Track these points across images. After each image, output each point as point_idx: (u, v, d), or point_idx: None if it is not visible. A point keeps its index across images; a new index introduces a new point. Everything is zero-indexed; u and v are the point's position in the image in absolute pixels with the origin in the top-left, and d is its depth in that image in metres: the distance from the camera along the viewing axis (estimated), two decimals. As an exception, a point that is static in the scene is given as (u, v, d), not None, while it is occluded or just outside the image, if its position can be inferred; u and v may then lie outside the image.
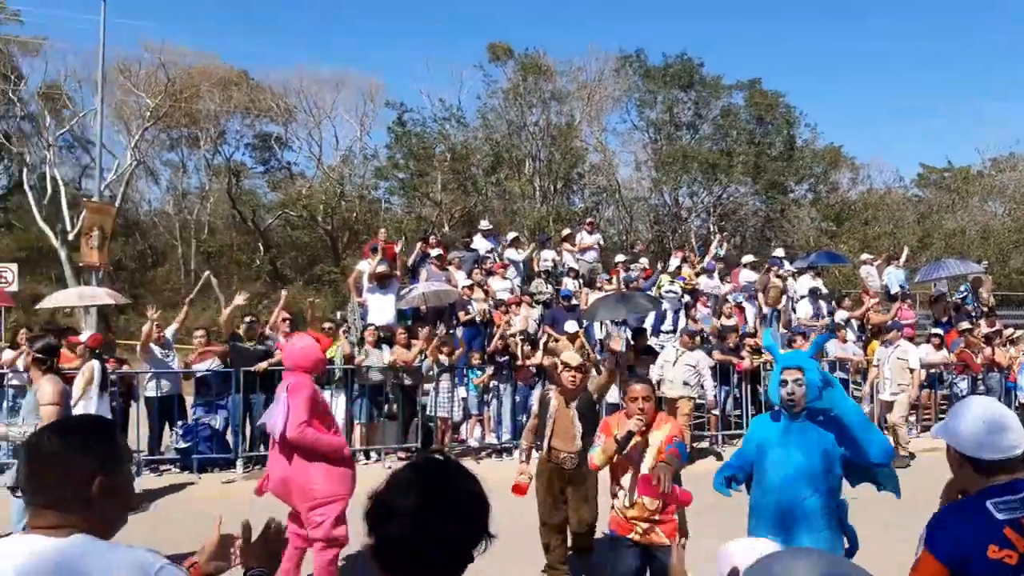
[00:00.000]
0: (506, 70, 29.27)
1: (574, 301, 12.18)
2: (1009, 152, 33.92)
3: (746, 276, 14.45)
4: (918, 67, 57.23)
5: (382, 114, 30.39)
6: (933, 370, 11.93)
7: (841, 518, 3.68)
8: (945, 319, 13.66)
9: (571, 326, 10.71)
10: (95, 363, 7.38)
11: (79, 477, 1.56)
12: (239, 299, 9.80)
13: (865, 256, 17.36)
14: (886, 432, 9.90)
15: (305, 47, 52.37)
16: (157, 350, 9.38)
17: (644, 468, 4.07)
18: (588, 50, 32.05)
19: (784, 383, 3.66)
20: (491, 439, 10.52)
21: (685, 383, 9.82)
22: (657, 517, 4.08)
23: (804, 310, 13.24)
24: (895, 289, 15.05)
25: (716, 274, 14.59)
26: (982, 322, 13.11)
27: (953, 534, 2.07)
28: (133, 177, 29.84)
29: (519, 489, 5.21)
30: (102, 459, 1.60)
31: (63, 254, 24.74)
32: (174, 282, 29.95)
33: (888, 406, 10.58)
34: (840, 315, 12.99)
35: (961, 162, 34.96)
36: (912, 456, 10.02)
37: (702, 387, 10.00)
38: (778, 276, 13.83)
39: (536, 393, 9.02)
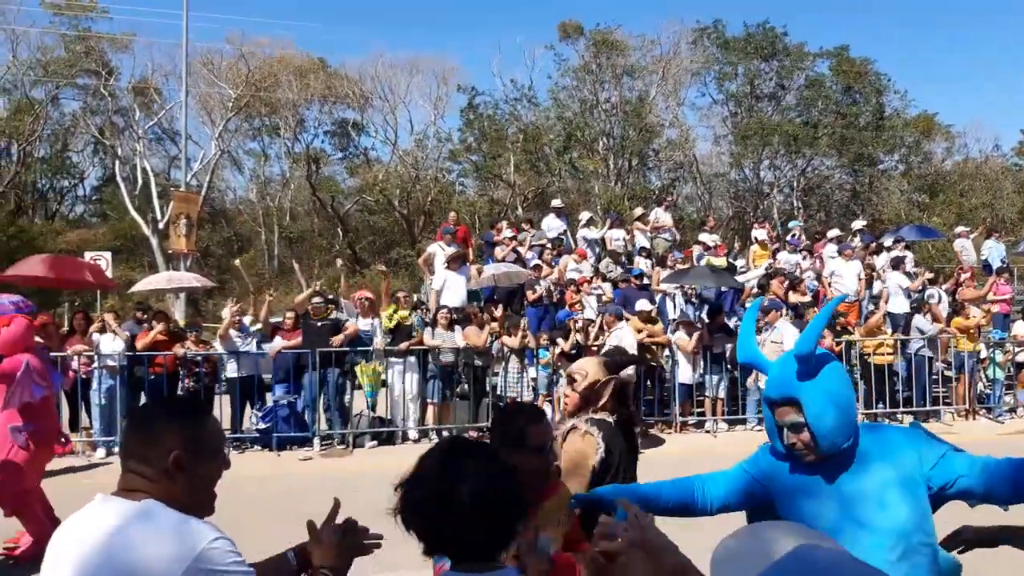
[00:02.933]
0: (577, 48, 28.93)
1: (645, 280, 11.98)
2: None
3: (830, 251, 13.88)
4: (1017, 28, 53.67)
5: (455, 97, 30.57)
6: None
7: None
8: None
9: (643, 304, 10.55)
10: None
11: (159, 448, 1.66)
12: (313, 288, 10.06)
13: (960, 229, 16.46)
14: None
15: (380, 33, 53.02)
16: (235, 335, 9.68)
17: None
18: (663, 24, 31.33)
19: (779, 426, 2.28)
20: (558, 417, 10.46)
21: None
22: None
23: (893, 290, 12.57)
24: (996, 264, 14.22)
25: (798, 249, 14.10)
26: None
27: None
28: (218, 166, 30.90)
29: None
30: (184, 436, 1.70)
31: (154, 242, 25.85)
32: (258, 267, 30.94)
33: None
34: (932, 292, 12.33)
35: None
36: None
37: None
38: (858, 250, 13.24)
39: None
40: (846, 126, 27.77)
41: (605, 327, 9.90)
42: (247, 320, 10.09)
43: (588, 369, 3.02)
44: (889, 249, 14.34)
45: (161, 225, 25.38)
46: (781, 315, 9.58)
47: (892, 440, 2.24)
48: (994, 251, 15.02)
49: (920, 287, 12.57)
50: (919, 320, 11.11)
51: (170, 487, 1.66)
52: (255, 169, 34.07)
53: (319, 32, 52.14)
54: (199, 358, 9.66)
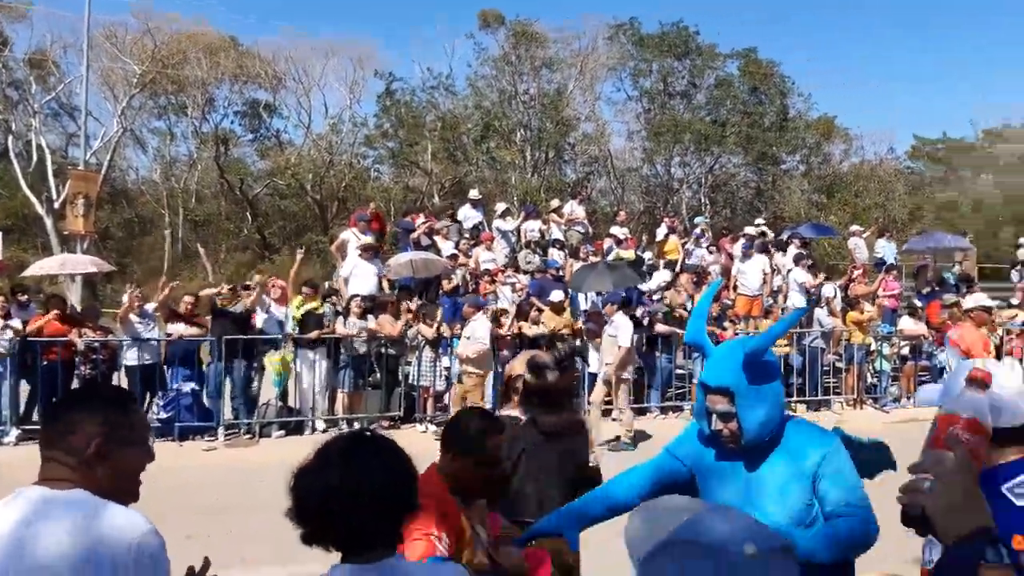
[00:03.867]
0: (497, 38, 28.95)
1: (560, 272, 12.18)
2: (1003, 124, 33.89)
3: (737, 249, 14.40)
4: (915, 38, 56.80)
5: (372, 83, 30.08)
6: (913, 341, 11.95)
7: None
8: (927, 290, 13.65)
9: (557, 295, 10.74)
10: None
11: (81, 437, 1.66)
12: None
13: (854, 228, 17.38)
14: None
15: (295, 14, 51.60)
16: (136, 320, 9.34)
17: None
18: (582, 18, 31.65)
19: (708, 411, 2.39)
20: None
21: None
22: None
23: (792, 286, 13.19)
24: (889, 260, 15.08)
25: (703, 245, 14.58)
26: (966, 295, 13.10)
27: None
28: (120, 145, 29.55)
29: None
30: (107, 425, 1.69)
31: (48, 222, 24.56)
32: (161, 251, 29.80)
33: (607, 384, 9.59)
34: (828, 288, 12.98)
35: (956, 134, 34.91)
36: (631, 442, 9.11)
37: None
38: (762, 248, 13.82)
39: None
40: (751, 126, 28.78)
41: (464, 317, 9.91)
42: (150, 307, 9.74)
43: (514, 365, 3.08)
44: (787, 246, 14.98)
45: (57, 205, 24.11)
46: (616, 308, 9.83)
47: (814, 438, 2.38)
48: (886, 250, 15.92)
49: (819, 283, 13.24)
50: (820, 314, 11.69)
51: (92, 476, 1.66)
52: (160, 148, 32.71)
53: (231, 9, 50.33)
54: (96, 345, 9.28)
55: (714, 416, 2.35)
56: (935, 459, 1.23)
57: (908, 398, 11.57)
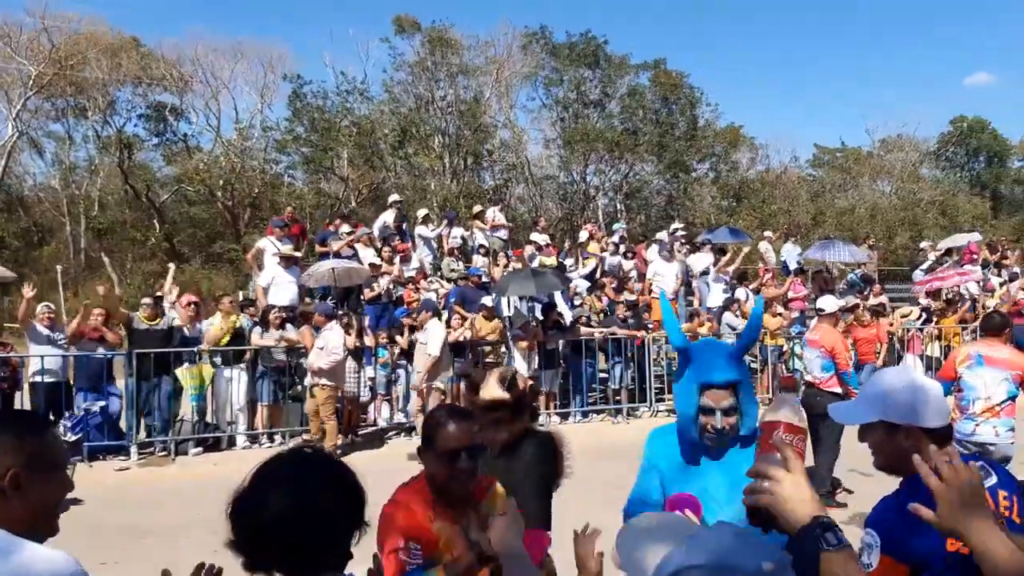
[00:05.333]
0: (412, 43, 28.82)
1: (484, 279, 12.22)
2: (897, 134, 35.89)
3: (652, 254, 14.77)
4: (816, 50, 59.52)
5: (284, 87, 29.41)
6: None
7: None
8: (826, 292, 14.29)
9: (486, 300, 10.80)
10: None
11: None
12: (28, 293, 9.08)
13: (766, 233, 18.08)
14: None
15: (200, 13, 50.04)
16: (42, 328, 8.86)
17: None
18: (497, 26, 31.83)
19: (708, 411, 2.36)
20: (399, 418, 10.49)
21: None
22: None
23: (711, 287, 13.62)
24: (793, 265, 15.72)
25: (620, 251, 14.90)
26: (869, 295, 13.81)
27: (917, 533, 1.70)
28: (15, 149, 27.98)
29: None
30: (22, 454, 1.54)
31: (-63, 231, 23.03)
32: (62, 260, 28.33)
33: (419, 394, 9.66)
34: (740, 292, 13.46)
35: (853, 143, 36.77)
36: None
37: None
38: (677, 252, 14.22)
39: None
40: (663, 134, 29.56)
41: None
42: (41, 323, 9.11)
43: (487, 382, 3.05)
44: (699, 249, 15.45)
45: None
46: (430, 316, 9.92)
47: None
48: (791, 253, 16.60)
49: (725, 265, 13.77)
50: (728, 317, 12.11)
51: (5, 510, 1.51)
52: (58, 153, 31.11)
53: (133, 8, 48.30)
54: (-4, 361, 8.78)
55: (718, 414, 2.33)
56: (767, 461, 1.37)
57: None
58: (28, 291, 8.90)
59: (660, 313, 11.04)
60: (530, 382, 3.05)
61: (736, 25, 58.13)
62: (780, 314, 12.41)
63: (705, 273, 13.82)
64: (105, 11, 53.75)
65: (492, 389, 2.92)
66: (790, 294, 14.07)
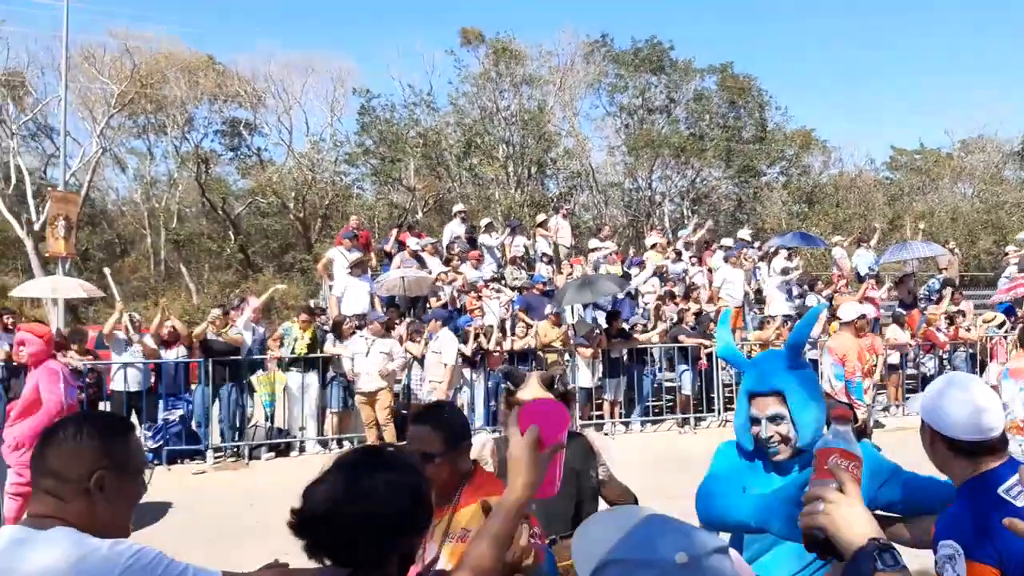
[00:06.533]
0: (477, 55, 29.11)
1: (547, 286, 12.21)
2: (978, 134, 34.39)
3: (716, 261, 14.53)
4: (890, 50, 57.72)
5: (353, 100, 30.08)
6: (900, 350, 12.07)
7: None
8: (911, 299, 13.80)
9: (548, 308, 10.79)
10: None
11: (81, 468, 1.58)
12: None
13: (837, 238, 17.57)
14: None
15: (272, 31, 51.63)
16: (123, 338, 9.24)
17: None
18: (559, 35, 31.82)
19: (755, 420, 2.33)
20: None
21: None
22: None
23: (773, 294, 13.30)
24: (864, 271, 15.23)
25: (685, 257, 14.68)
26: (944, 300, 13.25)
27: (995, 534, 1.76)
28: (99, 165, 29.32)
29: None
30: (109, 456, 1.62)
31: (29, 244, 24.28)
32: (143, 271, 29.54)
33: None
34: (811, 299, 13.10)
35: (932, 144, 35.37)
36: None
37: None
38: (745, 259, 13.93)
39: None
40: (731, 139, 29.08)
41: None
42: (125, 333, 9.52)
43: (528, 383, 3.06)
44: (772, 256, 15.11)
45: (37, 226, 23.87)
46: (440, 325, 9.76)
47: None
48: (862, 259, 16.07)
49: (795, 267, 13.38)
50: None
51: (88, 509, 1.58)
52: (139, 169, 32.52)
53: (208, 27, 50.23)
54: (83, 369, 9.16)
55: (764, 422, 2.30)
56: (822, 486, 1.38)
57: (896, 406, 11.67)
58: (120, 306, 9.36)
59: (729, 321, 10.88)
60: (570, 386, 3.04)
61: (805, 26, 56.85)
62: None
63: (786, 276, 13.46)
64: (181, 30, 56.03)
65: (533, 390, 2.91)
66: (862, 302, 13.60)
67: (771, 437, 2.29)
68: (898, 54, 57.46)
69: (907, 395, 11.93)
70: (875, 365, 10.60)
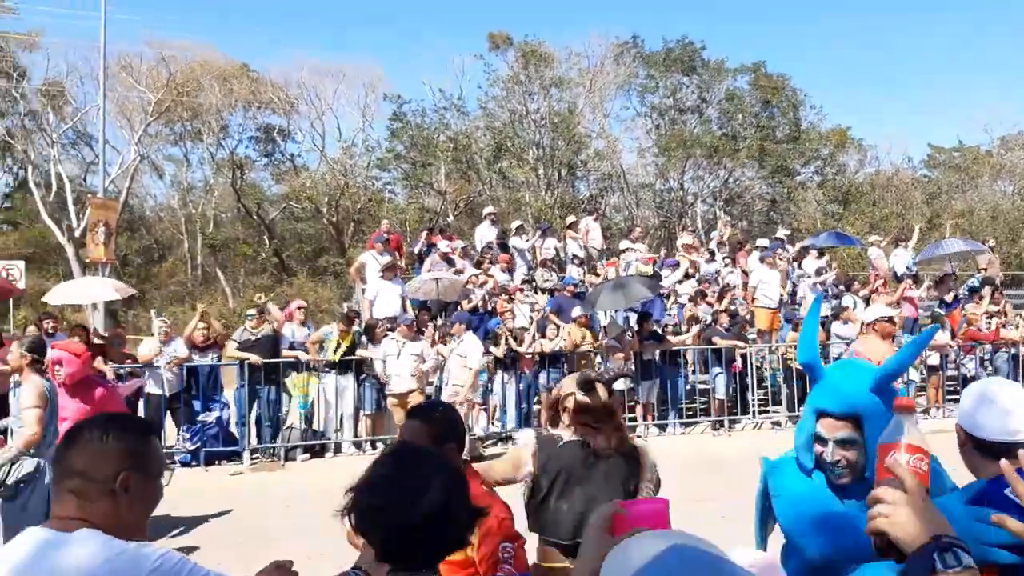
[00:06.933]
0: (506, 59, 29.17)
1: (579, 288, 12.19)
2: (1018, 130, 33.58)
3: (752, 261, 14.37)
4: (927, 46, 56.66)
5: (384, 105, 30.34)
6: (940, 351, 11.82)
7: None
8: (951, 299, 13.52)
9: (577, 310, 10.77)
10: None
11: (107, 468, 1.60)
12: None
13: (873, 238, 17.28)
14: None
15: (303, 38, 52.22)
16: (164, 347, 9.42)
17: None
18: (588, 37, 31.77)
19: (821, 440, 2.15)
20: (495, 427, 10.57)
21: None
22: None
23: (807, 295, 13.12)
24: (901, 270, 14.96)
25: (719, 257, 14.55)
26: (984, 299, 12.96)
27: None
28: (137, 172, 29.91)
29: None
30: (133, 457, 1.64)
31: (70, 250, 24.84)
32: (180, 275, 30.05)
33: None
34: (848, 299, 12.89)
35: (971, 141, 34.60)
36: None
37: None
38: (780, 259, 13.76)
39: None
40: (764, 138, 28.79)
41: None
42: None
43: (563, 384, 3.04)
44: (803, 258, 14.93)
45: (77, 233, 24.42)
46: (464, 328, 9.67)
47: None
48: (899, 258, 15.78)
49: (824, 268, 13.17)
50: (837, 326, 11.61)
51: (112, 509, 1.60)
52: (176, 175, 33.11)
53: (240, 35, 50.95)
54: (123, 372, 9.35)
55: (831, 444, 2.10)
56: (883, 486, 1.31)
57: (937, 409, 11.45)
58: (202, 307, 9.65)
59: (764, 322, 10.69)
60: (612, 378, 3.01)
61: (840, 23, 56.07)
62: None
63: (819, 278, 13.29)
64: (215, 38, 56.91)
65: (603, 392, 2.90)
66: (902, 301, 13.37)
67: (838, 462, 2.10)
68: (936, 50, 56.41)
69: (947, 397, 11.71)
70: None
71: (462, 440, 2.55)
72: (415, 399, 9.13)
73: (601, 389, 2.90)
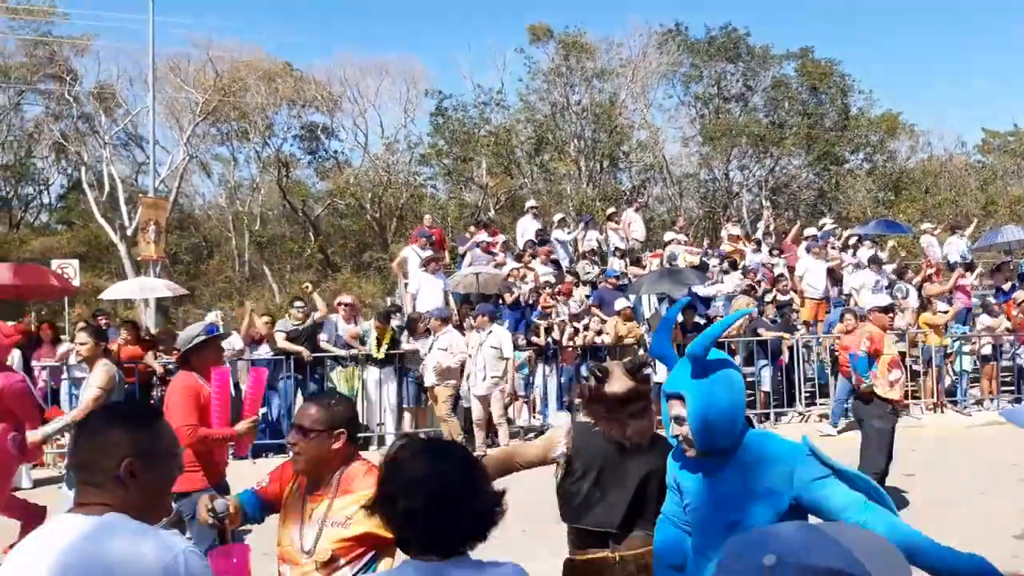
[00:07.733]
0: (547, 51, 29.01)
1: (621, 280, 12.08)
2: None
3: (800, 251, 14.07)
4: (979, 28, 54.81)
5: (425, 100, 30.46)
6: (995, 340, 11.44)
7: None
8: (1008, 288, 13.05)
9: (621, 303, 10.67)
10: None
11: (111, 457, 1.64)
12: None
13: (926, 226, 16.82)
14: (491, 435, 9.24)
15: (344, 35, 52.66)
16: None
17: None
18: (629, 26, 31.45)
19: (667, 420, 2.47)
20: (537, 420, 10.54)
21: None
22: None
23: (862, 281, 12.76)
24: (955, 259, 14.53)
25: (765, 248, 14.29)
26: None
27: None
28: (186, 172, 30.53)
29: None
30: (135, 444, 1.67)
31: (122, 249, 25.48)
32: (228, 272, 30.63)
33: (485, 401, 9.30)
34: (899, 286, 12.55)
35: (1026, 125, 33.35)
36: None
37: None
38: (831, 248, 13.46)
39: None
40: (812, 126, 28.19)
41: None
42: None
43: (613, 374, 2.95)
44: (857, 247, 14.56)
45: (129, 232, 25.04)
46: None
47: (772, 451, 2.32)
48: (954, 247, 15.31)
49: (890, 282, 12.80)
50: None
51: (124, 495, 1.65)
52: (224, 174, 33.75)
53: (283, 34, 51.67)
54: (172, 367, 9.54)
55: (672, 422, 2.41)
56: None
57: (991, 400, 11.09)
58: (251, 304, 9.81)
59: (809, 313, 10.49)
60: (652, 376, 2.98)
61: (890, 6, 54.52)
62: (944, 311, 11.46)
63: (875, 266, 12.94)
64: (259, 37, 57.73)
65: (619, 380, 2.84)
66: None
67: (677, 435, 2.40)
68: (989, 32, 54.53)
69: (1002, 388, 11.34)
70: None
71: (353, 430, 2.68)
72: (441, 393, 9.15)
73: (621, 377, 2.83)
